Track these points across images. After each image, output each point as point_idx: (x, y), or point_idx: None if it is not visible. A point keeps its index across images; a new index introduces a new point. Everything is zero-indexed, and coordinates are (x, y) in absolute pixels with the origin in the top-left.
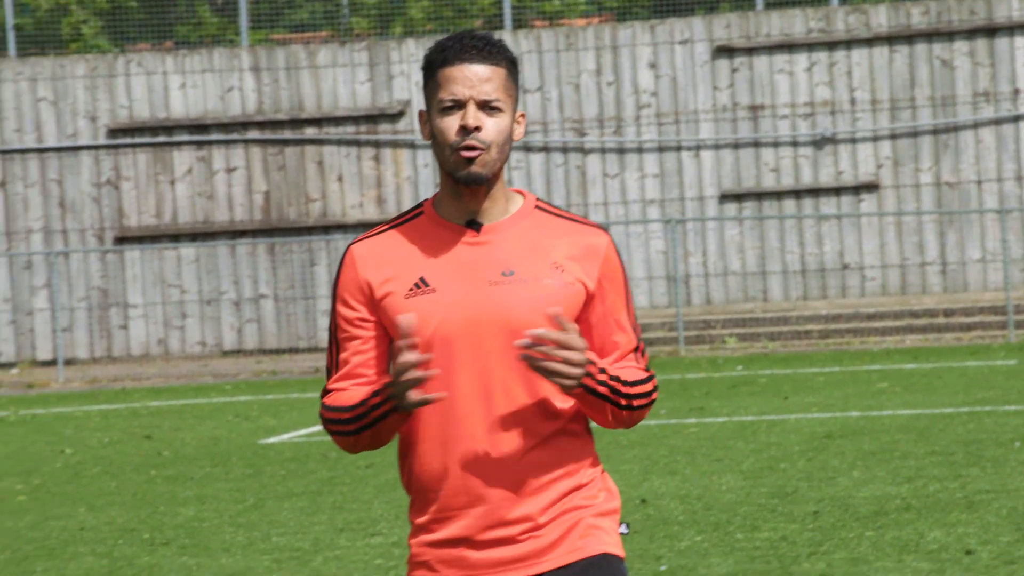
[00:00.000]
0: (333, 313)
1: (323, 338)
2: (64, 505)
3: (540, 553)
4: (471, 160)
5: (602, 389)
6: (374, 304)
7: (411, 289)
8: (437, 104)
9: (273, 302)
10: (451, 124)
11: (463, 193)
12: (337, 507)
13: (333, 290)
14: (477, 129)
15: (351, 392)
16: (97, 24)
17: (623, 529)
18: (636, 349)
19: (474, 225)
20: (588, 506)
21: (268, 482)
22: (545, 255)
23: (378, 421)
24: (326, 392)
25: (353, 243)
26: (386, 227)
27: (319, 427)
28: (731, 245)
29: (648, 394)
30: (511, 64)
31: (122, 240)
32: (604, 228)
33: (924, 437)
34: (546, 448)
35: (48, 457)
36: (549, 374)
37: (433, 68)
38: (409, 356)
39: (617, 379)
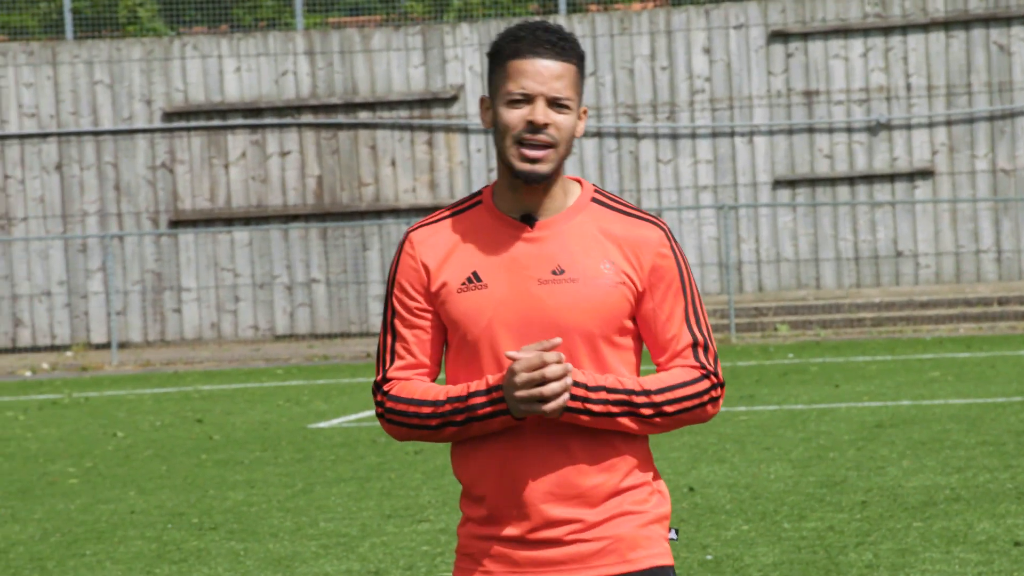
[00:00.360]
0: (389, 298)
1: (375, 323)
2: (115, 488)
3: (587, 558)
4: (536, 160)
5: (599, 408)
6: (431, 294)
7: (464, 283)
8: (505, 95)
9: (325, 287)
10: (518, 116)
11: (521, 188)
12: (385, 493)
13: (391, 275)
14: (546, 126)
15: (419, 384)
16: (153, 7)
17: (672, 535)
18: (695, 344)
19: (529, 220)
20: (638, 512)
21: (317, 467)
22: (597, 252)
23: (476, 421)
24: (386, 380)
25: (412, 229)
26: (445, 214)
27: (369, 412)
28: (784, 232)
29: (691, 396)
30: (581, 61)
31: (176, 224)
32: (660, 221)
33: (975, 427)
34: (596, 449)
35: (100, 440)
36: (527, 408)
37: (503, 57)
38: (542, 365)
39: (631, 392)
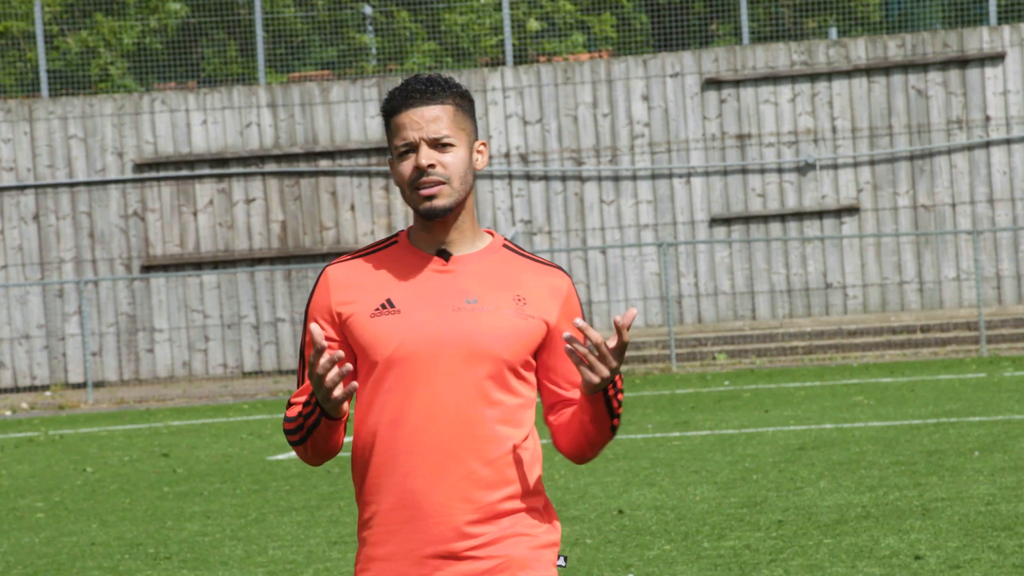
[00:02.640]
0: (304, 328)
1: None
2: (79, 521)
3: (479, 574)
4: (431, 196)
5: (615, 404)
6: (340, 324)
7: (377, 309)
8: (395, 151)
9: (290, 325)
10: (407, 166)
11: (433, 226)
12: (333, 521)
13: (306, 308)
14: (432, 167)
15: (298, 406)
16: (124, 65)
17: (561, 562)
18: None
19: (444, 255)
20: (530, 535)
21: (272, 497)
22: (508, 288)
23: (313, 428)
24: (289, 404)
25: (329, 265)
26: (363, 252)
27: None
28: (721, 266)
29: (614, 429)
30: (459, 98)
31: (148, 268)
32: (565, 271)
33: (890, 448)
34: (493, 471)
35: (70, 475)
36: (582, 364)
37: (387, 118)
38: (320, 360)
39: (620, 403)
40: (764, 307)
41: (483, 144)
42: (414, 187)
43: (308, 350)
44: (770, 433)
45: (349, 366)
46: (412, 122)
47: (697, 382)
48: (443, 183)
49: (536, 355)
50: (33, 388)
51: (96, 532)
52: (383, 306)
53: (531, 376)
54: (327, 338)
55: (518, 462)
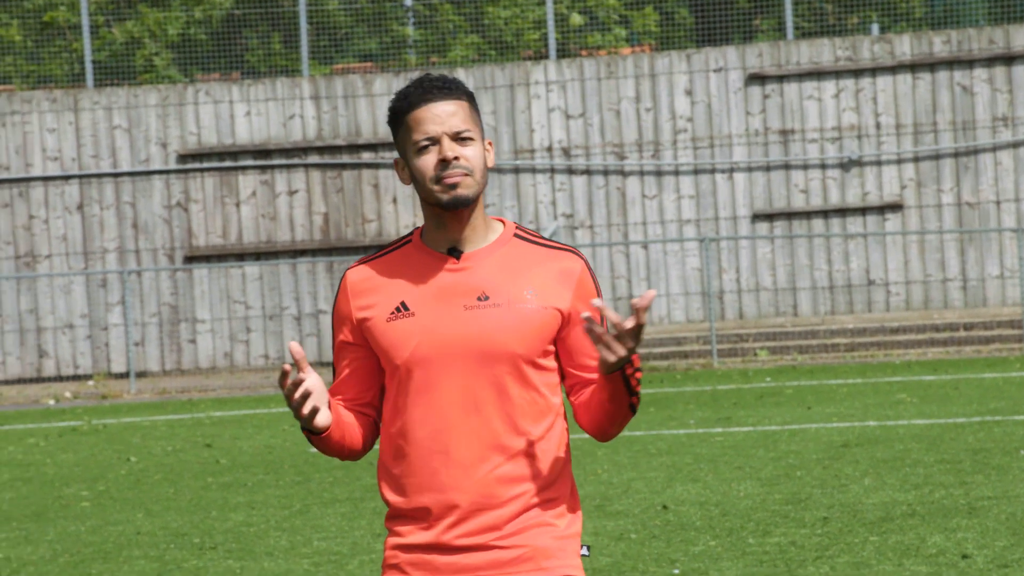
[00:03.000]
0: (333, 334)
1: None
2: (124, 510)
3: (503, 564)
4: (456, 184)
5: (633, 383)
6: (360, 329)
7: (392, 313)
8: (413, 146)
9: (332, 317)
10: (430, 161)
11: (447, 221)
12: (377, 512)
13: (332, 312)
14: (456, 159)
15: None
16: (168, 56)
17: (584, 551)
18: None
19: (455, 252)
20: (554, 525)
21: (315, 488)
22: (520, 281)
23: (311, 437)
24: None
25: (348, 269)
26: (378, 254)
27: None
28: (763, 262)
29: (633, 408)
30: (470, 97)
31: (191, 259)
32: (578, 252)
33: (935, 446)
34: (516, 463)
35: (114, 464)
36: (600, 343)
37: (401, 115)
38: (285, 383)
39: (639, 382)
40: (806, 303)
41: (490, 143)
42: (438, 180)
43: (335, 355)
44: (813, 430)
45: (308, 389)
46: (433, 116)
47: (738, 378)
48: (467, 174)
49: (555, 341)
50: (76, 377)
51: (141, 521)
52: (398, 309)
53: (551, 363)
54: (349, 344)
55: (543, 453)
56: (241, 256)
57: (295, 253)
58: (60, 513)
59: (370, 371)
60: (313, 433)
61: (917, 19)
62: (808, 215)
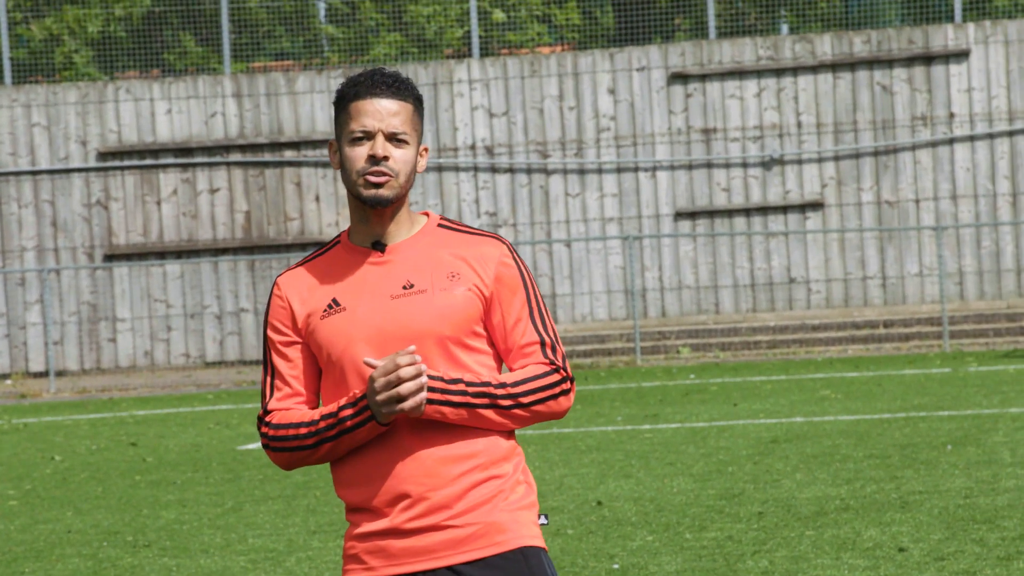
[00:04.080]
0: (265, 339)
1: None
2: (53, 509)
3: (458, 543)
4: (379, 184)
5: (458, 399)
6: (299, 328)
7: (325, 310)
8: (348, 135)
9: (253, 315)
10: (360, 153)
11: (370, 217)
12: (311, 510)
13: (265, 318)
14: (385, 159)
15: (296, 411)
16: (88, 53)
17: (542, 520)
18: (543, 344)
19: (379, 246)
20: (505, 497)
21: (246, 487)
22: (443, 267)
23: (347, 432)
24: (267, 412)
25: (279, 275)
26: (308, 258)
27: None
28: (685, 260)
29: (547, 387)
30: (418, 101)
31: (111, 257)
32: (501, 237)
33: (863, 441)
34: (460, 442)
35: (39, 463)
36: (387, 409)
37: (345, 101)
38: (396, 368)
39: (487, 384)
40: (728, 301)
41: (425, 149)
42: (362, 174)
43: (275, 358)
44: (741, 426)
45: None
46: (374, 111)
47: (662, 375)
48: (391, 176)
49: (485, 324)
50: None
51: (72, 520)
52: (329, 306)
53: (483, 345)
54: (289, 343)
55: (486, 431)
56: (162, 254)
57: (217, 251)
58: None
59: (314, 370)
60: (383, 424)
61: (835, 19)
62: (730, 213)
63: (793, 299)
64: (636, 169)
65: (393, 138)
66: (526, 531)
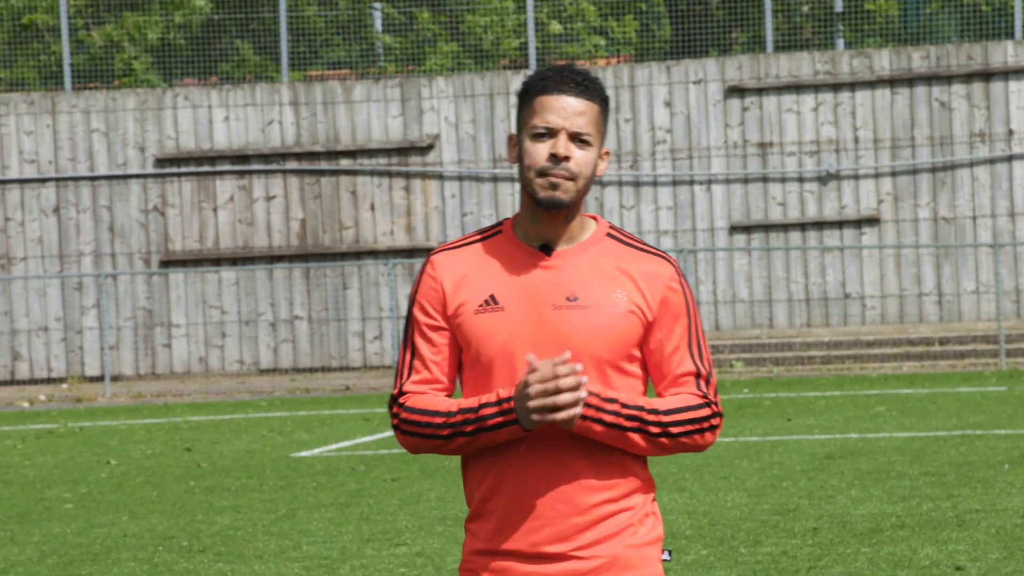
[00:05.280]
0: (410, 317)
1: (354, 358)
2: (108, 513)
3: (583, 574)
4: (556, 185)
5: (611, 419)
6: (448, 315)
7: (481, 305)
8: (530, 129)
9: (307, 323)
10: (541, 150)
11: (542, 217)
12: (364, 518)
13: (412, 294)
14: (566, 159)
15: (433, 397)
16: (147, 60)
17: (665, 556)
18: (698, 375)
19: (546, 249)
20: (634, 531)
21: (299, 493)
22: (609, 283)
23: (485, 431)
24: (402, 393)
25: (434, 252)
26: (467, 240)
27: (349, 442)
28: (739, 274)
29: (696, 420)
30: (604, 103)
31: (167, 263)
32: (670, 257)
33: (918, 458)
34: (599, 469)
35: (94, 467)
36: (540, 416)
37: (531, 95)
38: (555, 376)
39: (641, 408)
40: (782, 316)
41: (607, 152)
42: (541, 172)
43: (417, 338)
44: (795, 441)
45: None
46: (561, 108)
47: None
48: (571, 179)
49: (641, 346)
50: (50, 380)
51: (127, 524)
52: (487, 302)
53: (636, 368)
54: (436, 327)
55: (623, 459)
56: (217, 261)
57: (272, 259)
58: (44, 515)
59: (456, 358)
60: (526, 430)
61: (894, 34)
62: (785, 228)
63: (848, 315)
64: (691, 182)
65: (576, 138)
66: (651, 568)
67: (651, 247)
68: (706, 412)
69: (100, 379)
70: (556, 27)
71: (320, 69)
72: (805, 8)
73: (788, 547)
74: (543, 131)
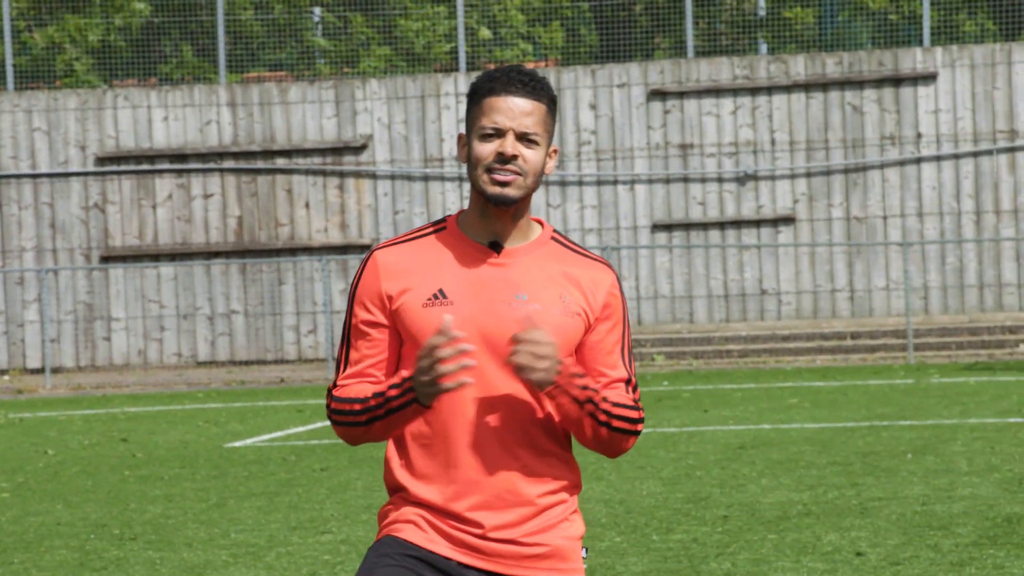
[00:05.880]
0: (349, 312)
1: (290, 351)
2: (43, 502)
3: (522, 558)
4: (505, 183)
5: (578, 393)
6: (390, 311)
7: (429, 299)
8: (478, 130)
9: (244, 317)
10: (488, 149)
11: (491, 214)
12: (292, 507)
13: (352, 290)
14: (514, 158)
15: (359, 386)
16: (88, 61)
17: (583, 553)
18: (627, 382)
19: (496, 247)
20: (568, 525)
21: (231, 483)
22: (556, 285)
23: (393, 412)
24: (335, 386)
25: (376, 249)
26: (410, 236)
27: (281, 432)
28: (661, 271)
29: (631, 420)
30: (551, 102)
31: (107, 259)
32: (610, 265)
33: (827, 448)
34: (540, 462)
35: (32, 457)
36: (520, 369)
37: (479, 96)
38: (440, 346)
39: (598, 392)
40: (702, 311)
41: (555, 150)
42: (489, 169)
43: (355, 334)
44: (710, 432)
45: (471, 361)
46: (508, 109)
47: (637, 382)
48: (519, 175)
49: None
50: None
51: (61, 512)
52: (436, 296)
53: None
54: (374, 323)
55: (562, 453)
56: (156, 257)
57: (209, 255)
58: None
59: (395, 353)
60: (424, 406)
61: (808, 40)
62: (705, 226)
63: (764, 310)
64: (615, 182)
65: (524, 138)
66: (578, 564)
67: (593, 254)
68: (636, 415)
69: (41, 371)
70: (486, 32)
71: (258, 71)
72: (725, 15)
73: (698, 534)
74: (491, 131)
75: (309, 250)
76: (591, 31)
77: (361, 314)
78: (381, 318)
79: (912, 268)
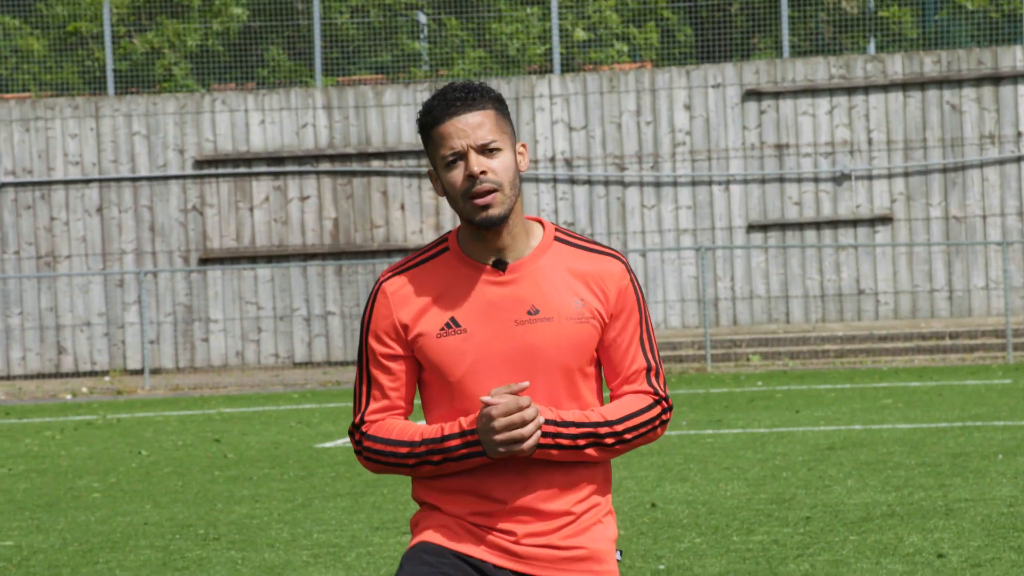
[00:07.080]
0: (364, 346)
1: None
2: (133, 502)
3: (558, 560)
4: (486, 205)
5: (567, 442)
6: (407, 342)
7: (443, 329)
8: (441, 161)
9: (340, 318)
10: (458, 176)
11: (485, 236)
12: (376, 507)
13: (365, 324)
14: (483, 173)
15: (394, 423)
16: (187, 66)
17: (618, 556)
18: (649, 370)
19: (500, 265)
20: (600, 528)
21: (318, 483)
22: (565, 290)
23: (452, 461)
24: (363, 422)
25: (383, 279)
26: (414, 262)
27: None
28: (756, 271)
29: (647, 422)
30: (497, 103)
31: (205, 261)
32: (619, 254)
33: (917, 449)
34: (572, 475)
35: (126, 458)
36: (509, 450)
37: (427, 129)
38: (519, 409)
39: (596, 424)
40: (798, 311)
41: (523, 145)
42: (468, 196)
43: (374, 368)
44: (800, 433)
45: (541, 420)
46: (458, 130)
47: (731, 382)
48: (496, 190)
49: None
50: (93, 373)
51: (149, 512)
52: (448, 325)
53: (594, 369)
54: (392, 356)
55: (592, 464)
56: (254, 259)
57: (306, 256)
58: (71, 504)
59: (414, 383)
60: (492, 458)
61: (909, 40)
62: (801, 226)
63: (862, 310)
64: (710, 182)
65: (485, 149)
66: (613, 566)
67: (600, 245)
68: (657, 411)
69: (140, 372)
70: (580, 34)
71: (355, 74)
72: (823, 15)
73: (779, 535)
74: (452, 158)
75: (404, 251)
76: (687, 32)
77: (378, 348)
78: (398, 349)
79: (1012, 267)
